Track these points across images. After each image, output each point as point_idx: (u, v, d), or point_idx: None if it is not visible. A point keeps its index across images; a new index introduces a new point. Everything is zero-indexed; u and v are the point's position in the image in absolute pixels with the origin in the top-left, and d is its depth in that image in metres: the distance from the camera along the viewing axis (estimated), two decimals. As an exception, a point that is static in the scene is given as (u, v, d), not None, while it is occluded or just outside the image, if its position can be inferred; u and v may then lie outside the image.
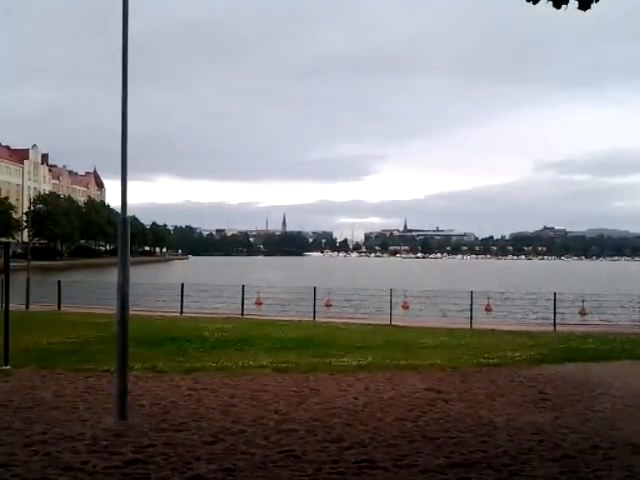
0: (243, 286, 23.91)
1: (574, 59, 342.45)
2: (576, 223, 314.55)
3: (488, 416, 7.00)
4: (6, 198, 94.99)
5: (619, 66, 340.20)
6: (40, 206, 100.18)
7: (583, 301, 26.23)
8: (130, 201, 6.98)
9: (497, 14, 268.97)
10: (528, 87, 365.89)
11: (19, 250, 73.69)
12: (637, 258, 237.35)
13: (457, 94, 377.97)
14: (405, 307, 26.23)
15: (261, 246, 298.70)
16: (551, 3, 4.57)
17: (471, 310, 20.98)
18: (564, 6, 4.55)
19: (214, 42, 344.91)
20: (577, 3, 4.53)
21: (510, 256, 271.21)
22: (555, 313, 20.65)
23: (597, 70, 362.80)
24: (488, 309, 25.72)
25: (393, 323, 19.72)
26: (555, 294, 21.36)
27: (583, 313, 25.54)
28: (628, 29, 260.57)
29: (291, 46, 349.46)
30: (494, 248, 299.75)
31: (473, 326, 19.22)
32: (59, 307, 23.01)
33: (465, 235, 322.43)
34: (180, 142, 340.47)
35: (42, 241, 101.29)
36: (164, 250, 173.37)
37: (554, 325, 19.67)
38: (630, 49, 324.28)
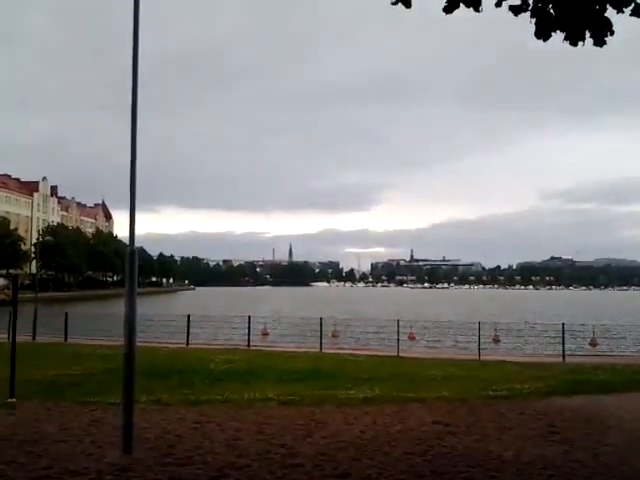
0: (249, 317, 23.87)
1: (579, 86, 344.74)
2: (583, 252, 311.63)
3: (497, 450, 6.90)
4: (15, 230, 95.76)
5: (624, 92, 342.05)
6: (49, 238, 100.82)
7: (594, 332, 26.02)
8: (137, 232, 7.04)
9: (498, 42, 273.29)
10: (532, 115, 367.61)
11: (27, 281, 73.93)
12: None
13: (460, 122, 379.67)
14: (412, 338, 26.07)
15: (268, 276, 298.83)
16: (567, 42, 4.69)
17: (479, 341, 20.83)
18: (580, 43, 4.68)
19: (215, 71, 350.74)
20: (592, 40, 4.64)
21: (518, 286, 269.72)
22: (564, 344, 20.47)
23: (602, 97, 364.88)
24: (496, 340, 25.53)
25: (400, 354, 19.58)
26: (563, 325, 21.20)
27: (594, 344, 25.31)
28: (633, 55, 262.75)
29: (292, 74, 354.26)
30: (501, 278, 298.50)
31: (481, 357, 19.06)
32: (65, 339, 22.99)
33: (472, 265, 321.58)
34: (184, 172, 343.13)
35: (50, 272, 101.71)
36: (171, 281, 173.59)
37: (563, 356, 19.47)
38: (636, 75, 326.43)
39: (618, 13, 4.46)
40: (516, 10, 4.67)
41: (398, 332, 22.17)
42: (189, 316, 23.78)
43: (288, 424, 8.20)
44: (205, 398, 10.13)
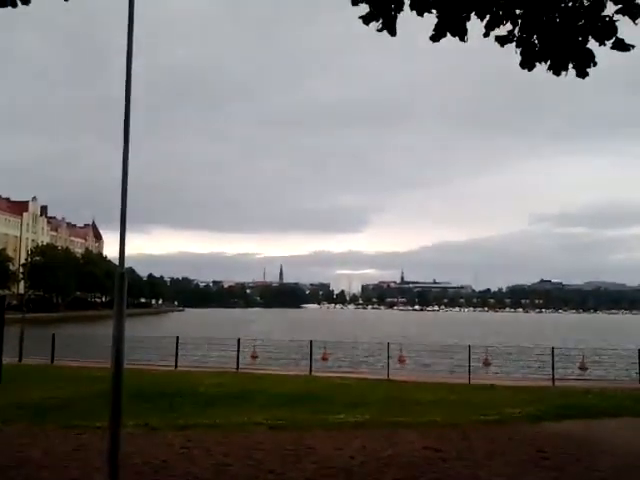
0: (239, 339, 23.71)
1: (568, 110, 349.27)
2: (573, 275, 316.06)
3: (487, 476, 6.85)
4: (4, 249, 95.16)
5: (613, 116, 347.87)
6: (37, 258, 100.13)
7: (583, 356, 26.04)
8: (127, 252, 6.99)
9: (487, 68, 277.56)
10: (522, 138, 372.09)
11: (14, 302, 73.20)
12: (635, 311, 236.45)
13: (450, 146, 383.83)
14: (402, 361, 25.96)
15: (258, 298, 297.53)
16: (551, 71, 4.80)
17: (469, 365, 20.79)
18: (563, 73, 4.78)
19: (207, 92, 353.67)
20: (575, 71, 4.75)
21: (508, 309, 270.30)
22: (554, 368, 20.45)
23: (591, 121, 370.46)
24: (487, 363, 25.47)
25: (391, 377, 19.48)
26: (553, 349, 21.20)
27: (583, 368, 25.30)
28: (623, 79, 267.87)
29: (284, 96, 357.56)
30: (492, 301, 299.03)
31: (472, 381, 18.99)
32: (52, 360, 22.71)
33: (462, 287, 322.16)
34: (175, 193, 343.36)
35: (38, 293, 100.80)
36: (160, 302, 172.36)
37: (553, 380, 19.45)
38: (625, 99, 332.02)
39: (600, 45, 4.56)
40: (502, 40, 4.77)
41: (388, 355, 22.09)
42: (178, 338, 23.57)
43: (277, 449, 8.12)
44: (193, 422, 10.01)
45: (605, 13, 4.56)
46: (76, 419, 10.02)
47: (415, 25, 4.91)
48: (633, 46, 4.57)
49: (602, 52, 4.75)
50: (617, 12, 4.51)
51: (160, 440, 8.60)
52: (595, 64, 4.70)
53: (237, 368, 21.64)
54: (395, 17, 4.72)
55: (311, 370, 21.09)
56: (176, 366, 21.98)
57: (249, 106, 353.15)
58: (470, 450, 8.30)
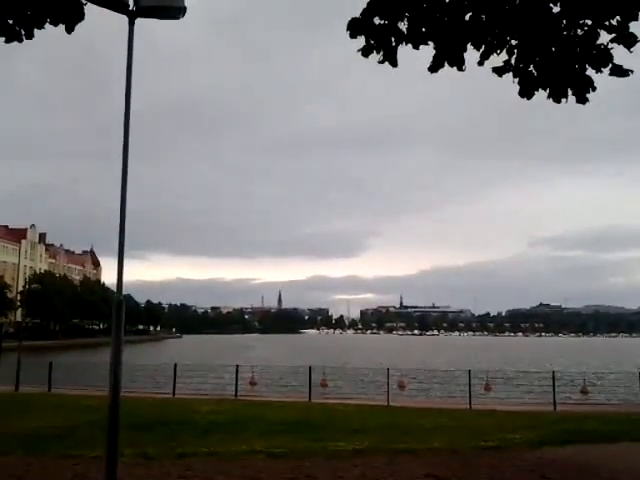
0: (237, 366, 23.56)
1: (567, 133, 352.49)
2: (572, 299, 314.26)
3: (489, 504, 6.76)
4: (1, 277, 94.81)
5: (612, 139, 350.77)
6: (35, 285, 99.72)
7: (584, 380, 25.88)
8: (125, 279, 6.97)
9: (483, 92, 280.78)
10: (520, 162, 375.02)
11: (11, 330, 72.72)
12: (635, 334, 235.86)
13: (448, 169, 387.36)
14: (402, 386, 25.76)
15: (256, 323, 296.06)
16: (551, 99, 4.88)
17: (469, 390, 20.63)
18: (563, 100, 4.86)
19: (206, 119, 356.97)
20: (575, 98, 4.82)
21: (507, 333, 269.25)
22: (555, 392, 20.31)
23: (590, 143, 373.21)
24: (488, 388, 25.27)
25: (390, 404, 19.32)
26: (554, 373, 21.09)
27: (585, 392, 25.11)
28: (622, 101, 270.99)
29: (283, 122, 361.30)
30: (491, 325, 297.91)
31: (472, 406, 18.85)
32: (49, 389, 22.50)
33: (462, 312, 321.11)
34: (173, 219, 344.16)
35: (35, 320, 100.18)
36: (158, 328, 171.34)
37: (554, 404, 19.30)
38: (623, 123, 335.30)
39: (597, 73, 4.63)
40: (499, 71, 4.84)
41: (388, 381, 21.91)
42: (175, 365, 23.40)
43: (276, 478, 8.02)
44: (191, 451, 9.89)
45: (600, 41, 4.65)
46: (72, 449, 9.89)
47: (414, 52, 4.98)
48: (632, 71, 4.63)
49: (602, 75, 4.84)
50: (612, 41, 4.59)
51: (158, 470, 8.49)
52: (594, 89, 4.77)
53: (236, 395, 21.47)
54: (396, 48, 4.77)
55: (310, 396, 20.91)
56: (174, 394, 21.78)
57: (248, 132, 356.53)
58: (471, 477, 8.21)
